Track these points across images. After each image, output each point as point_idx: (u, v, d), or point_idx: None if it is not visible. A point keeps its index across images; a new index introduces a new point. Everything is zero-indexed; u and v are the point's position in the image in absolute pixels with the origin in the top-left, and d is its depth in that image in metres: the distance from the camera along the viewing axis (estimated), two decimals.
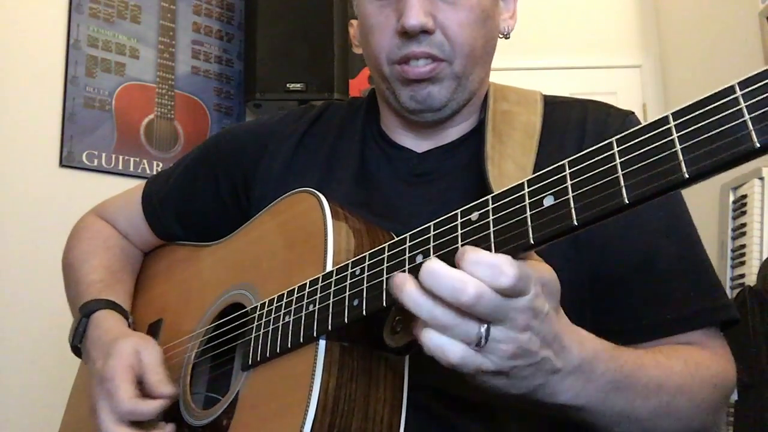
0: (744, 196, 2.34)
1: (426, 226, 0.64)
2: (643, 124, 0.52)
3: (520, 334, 0.57)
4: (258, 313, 0.81)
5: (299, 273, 0.78)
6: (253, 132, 1.07)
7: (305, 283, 0.75)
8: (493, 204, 0.59)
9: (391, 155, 0.96)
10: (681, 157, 0.48)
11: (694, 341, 0.79)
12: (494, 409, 0.77)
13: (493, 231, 0.57)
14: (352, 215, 0.80)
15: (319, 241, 0.77)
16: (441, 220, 0.63)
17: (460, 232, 0.60)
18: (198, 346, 0.92)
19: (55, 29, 2.33)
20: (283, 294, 0.78)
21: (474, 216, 0.60)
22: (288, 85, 2.53)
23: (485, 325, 0.56)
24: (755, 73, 0.46)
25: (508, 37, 0.96)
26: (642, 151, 0.50)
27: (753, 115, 0.45)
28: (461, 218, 0.61)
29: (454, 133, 0.95)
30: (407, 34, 0.84)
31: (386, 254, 0.66)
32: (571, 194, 0.53)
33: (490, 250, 0.57)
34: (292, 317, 0.75)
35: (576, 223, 0.53)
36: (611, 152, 0.52)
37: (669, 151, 0.49)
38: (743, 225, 2.32)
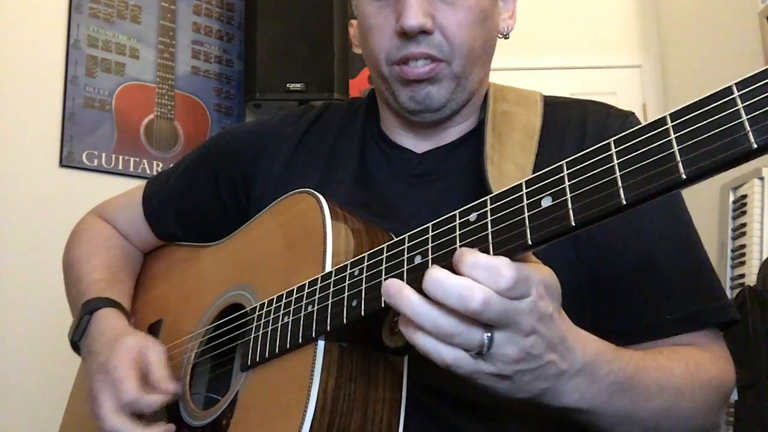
0: (744, 196, 2.34)
1: (424, 226, 0.64)
2: (641, 124, 0.52)
3: (524, 338, 0.57)
4: (257, 313, 0.81)
5: (298, 273, 0.78)
6: (253, 132, 1.07)
7: (304, 284, 0.75)
8: (491, 205, 0.59)
9: (390, 155, 0.96)
10: (679, 158, 0.48)
11: (693, 342, 0.79)
12: (494, 409, 0.77)
13: (492, 231, 0.58)
14: (351, 216, 0.80)
15: (318, 241, 0.77)
16: (439, 221, 0.63)
17: (458, 232, 0.60)
18: (198, 347, 0.92)
19: (55, 29, 2.33)
20: (282, 294, 0.78)
21: (472, 217, 0.60)
22: (288, 85, 2.53)
23: (489, 333, 0.56)
24: (753, 74, 0.46)
25: (508, 37, 0.96)
26: (640, 151, 0.50)
27: (751, 116, 0.45)
28: (459, 219, 0.61)
29: (453, 133, 0.95)
30: (406, 35, 0.84)
31: (385, 255, 0.66)
32: (569, 195, 0.53)
33: (488, 251, 0.57)
34: (291, 318, 0.75)
35: (574, 224, 0.53)
36: (609, 153, 0.52)
37: (667, 152, 0.49)
38: (743, 225, 2.32)
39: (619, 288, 0.82)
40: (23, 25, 2.26)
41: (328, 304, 0.70)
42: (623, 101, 3.07)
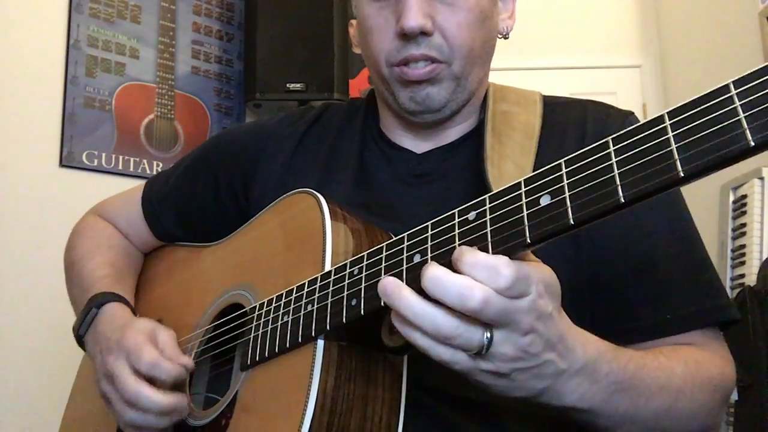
0: (744, 196, 2.34)
1: (423, 225, 0.64)
2: (639, 123, 0.52)
3: (522, 337, 0.57)
4: (257, 313, 0.81)
5: (298, 273, 0.78)
6: (252, 133, 1.07)
7: (304, 284, 0.75)
8: (490, 203, 0.59)
9: (390, 156, 0.96)
10: (676, 156, 0.48)
11: (694, 341, 0.79)
12: (495, 409, 0.77)
13: (490, 230, 0.58)
14: (350, 215, 0.80)
15: (317, 241, 0.77)
16: (438, 220, 0.63)
17: (457, 231, 0.60)
18: (197, 347, 0.92)
19: (55, 29, 2.34)
20: (281, 294, 0.78)
21: (471, 215, 0.60)
22: (288, 85, 2.53)
23: (488, 334, 0.56)
24: (750, 72, 0.46)
25: (507, 37, 0.96)
26: (637, 150, 0.50)
27: (747, 113, 0.45)
28: (458, 218, 0.61)
29: (453, 133, 0.95)
30: (406, 36, 0.84)
31: (384, 254, 0.66)
32: (567, 193, 0.54)
33: (487, 250, 0.57)
34: (290, 317, 0.75)
35: (572, 222, 0.53)
36: (607, 151, 0.53)
37: (664, 150, 0.49)
38: (743, 225, 2.32)
39: (619, 287, 0.82)
40: (23, 25, 2.26)
41: (327, 304, 0.70)
42: (623, 101, 3.07)
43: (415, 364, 0.72)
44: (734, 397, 1.97)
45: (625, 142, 0.52)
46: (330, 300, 0.70)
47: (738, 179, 2.37)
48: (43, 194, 2.21)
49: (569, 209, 0.53)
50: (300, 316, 0.74)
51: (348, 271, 0.70)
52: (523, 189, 0.57)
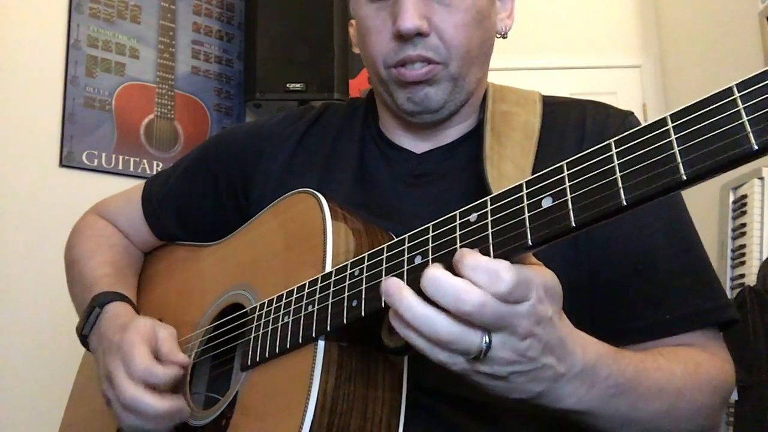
0: (744, 196, 2.34)
1: (425, 227, 0.64)
2: (642, 125, 0.52)
3: (521, 341, 0.57)
4: (257, 313, 0.81)
5: (298, 273, 0.78)
6: (252, 133, 1.07)
7: (304, 284, 0.75)
8: (491, 205, 0.59)
9: (390, 156, 0.96)
10: (679, 159, 0.48)
11: (693, 342, 0.79)
12: (495, 409, 0.77)
13: (492, 232, 0.58)
14: (351, 215, 0.80)
15: (318, 241, 0.77)
16: (440, 221, 0.63)
17: (458, 233, 0.60)
18: (198, 347, 0.92)
19: (55, 29, 2.34)
20: (282, 294, 0.78)
21: (472, 217, 0.60)
22: (288, 85, 2.53)
23: (487, 338, 0.56)
24: (754, 74, 0.46)
25: (506, 37, 0.96)
26: (640, 152, 0.50)
27: (751, 117, 0.45)
28: (460, 219, 0.61)
29: (452, 133, 0.95)
30: (402, 38, 0.84)
31: (385, 255, 0.66)
32: (569, 195, 0.53)
33: (488, 252, 0.57)
34: (291, 318, 0.75)
35: (574, 225, 0.53)
36: (609, 154, 0.52)
37: (667, 153, 0.49)
38: (743, 225, 2.32)
39: (618, 287, 0.82)
40: (23, 25, 2.26)
41: (328, 304, 0.70)
42: (623, 101, 3.07)
43: (415, 364, 0.72)
44: (734, 397, 1.97)
45: (628, 145, 0.51)
46: (331, 301, 0.70)
47: (738, 179, 2.37)
48: (43, 194, 2.21)
49: (571, 212, 0.53)
50: (300, 316, 0.74)
51: (349, 272, 0.70)
52: (525, 191, 0.57)
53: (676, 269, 0.81)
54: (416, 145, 0.95)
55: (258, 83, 2.54)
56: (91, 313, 0.96)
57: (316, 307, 0.72)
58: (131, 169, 2.44)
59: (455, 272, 0.56)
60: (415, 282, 0.59)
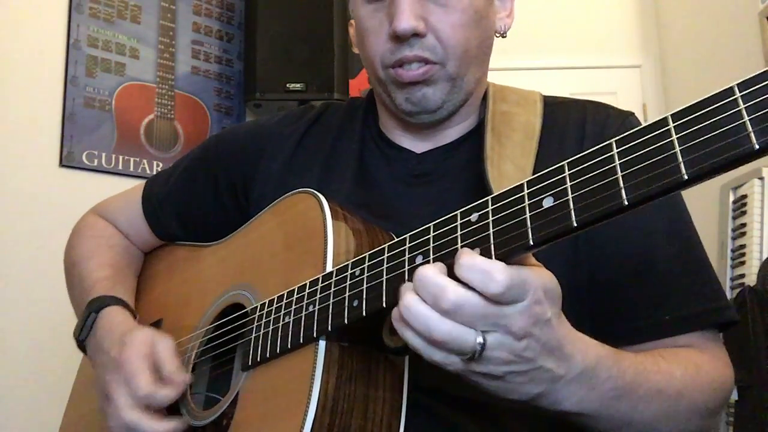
0: (744, 196, 2.34)
1: (426, 226, 0.64)
2: (643, 125, 0.52)
3: (517, 342, 0.57)
4: (258, 313, 0.81)
5: (299, 273, 0.78)
6: (252, 133, 1.07)
7: (305, 284, 0.75)
8: (492, 205, 0.59)
9: (390, 156, 0.96)
10: (680, 159, 0.48)
11: (692, 343, 0.79)
12: (495, 410, 0.77)
13: (493, 232, 0.58)
14: (351, 215, 0.80)
15: (318, 241, 0.77)
16: (441, 221, 0.63)
17: (459, 233, 0.60)
18: (198, 347, 0.92)
19: (55, 29, 2.33)
20: (282, 294, 0.78)
21: (474, 217, 0.60)
22: (288, 85, 2.53)
23: (481, 339, 0.56)
24: (755, 74, 0.46)
25: (505, 36, 0.96)
26: (641, 152, 0.50)
27: (752, 116, 0.45)
28: (461, 219, 0.61)
29: (453, 133, 0.95)
30: (399, 38, 0.84)
31: (386, 255, 0.66)
32: (570, 195, 0.53)
33: (489, 252, 0.57)
34: (292, 317, 0.75)
35: (575, 224, 0.53)
36: (611, 153, 0.52)
37: (668, 153, 0.49)
38: (743, 225, 2.32)
39: (617, 288, 0.82)
40: (23, 25, 2.26)
41: (329, 304, 0.70)
42: (623, 101, 3.07)
43: (416, 365, 0.72)
44: (734, 397, 1.97)
45: (629, 145, 0.51)
46: (332, 301, 0.70)
47: (738, 179, 2.37)
48: (43, 194, 2.21)
49: (572, 211, 0.53)
50: (301, 316, 0.74)
51: (350, 271, 0.70)
52: (526, 191, 0.57)
53: (676, 270, 0.81)
54: (416, 144, 0.95)
55: (258, 83, 2.54)
56: (87, 318, 0.97)
57: (316, 307, 0.72)
58: (131, 169, 2.44)
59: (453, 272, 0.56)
60: None
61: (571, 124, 0.91)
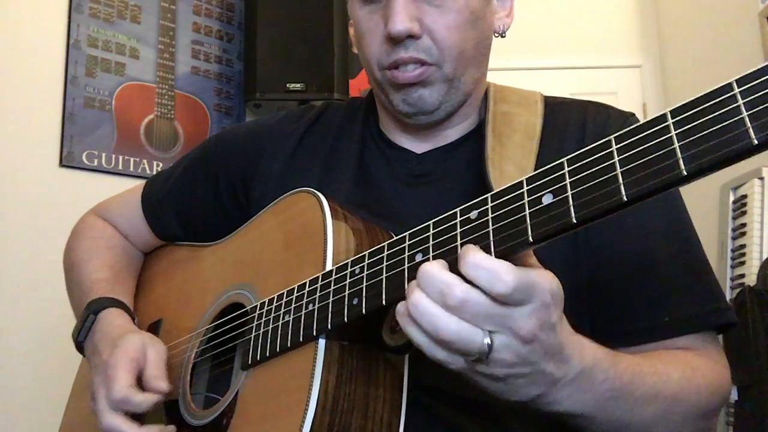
0: (744, 196, 2.34)
1: (425, 225, 0.64)
2: (642, 121, 0.52)
3: (523, 345, 0.56)
4: (258, 312, 0.81)
5: (299, 272, 0.78)
6: (252, 132, 1.07)
7: (305, 283, 0.75)
8: (492, 202, 0.59)
9: (390, 156, 0.96)
10: (679, 154, 0.48)
11: (690, 345, 0.78)
12: (495, 409, 0.77)
13: (492, 229, 0.58)
14: (351, 215, 0.80)
15: (318, 240, 0.77)
16: (440, 219, 0.63)
17: (459, 230, 0.60)
18: (198, 346, 0.92)
19: (55, 29, 2.34)
20: (282, 293, 0.78)
21: (473, 215, 0.60)
22: (288, 85, 2.53)
23: (488, 340, 0.56)
24: (753, 70, 0.46)
25: (504, 36, 0.95)
26: (640, 148, 0.50)
27: (751, 112, 0.45)
28: (460, 217, 0.61)
29: (453, 134, 0.95)
30: (394, 40, 0.84)
31: (386, 253, 0.66)
32: (569, 192, 0.53)
33: (489, 249, 0.57)
34: (291, 316, 0.75)
35: (575, 221, 0.53)
36: (609, 150, 0.52)
37: (667, 149, 0.49)
38: (743, 225, 2.32)
39: (617, 289, 0.81)
40: (23, 25, 2.26)
41: (329, 303, 0.70)
42: (623, 101, 3.08)
43: (415, 363, 0.72)
44: (734, 397, 1.97)
45: (627, 141, 0.51)
46: (331, 299, 0.70)
47: (738, 179, 2.37)
48: (43, 194, 2.21)
49: (571, 208, 0.53)
50: (301, 315, 0.74)
51: (349, 270, 0.70)
52: (525, 188, 0.57)
53: (676, 271, 0.81)
54: (416, 145, 0.95)
55: (258, 83, 2.54)
56: (86, 320, 0.97)
57: (316, 305, 0.72)
58: (131, 169, 2.44)
59: (457, 268, 0.56)
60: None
61: (571, 124, 0.90)
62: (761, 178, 2.28)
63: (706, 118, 0.47)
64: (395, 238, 0.67)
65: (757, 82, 0.45)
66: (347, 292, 0.69)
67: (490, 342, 0.56)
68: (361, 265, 0.69)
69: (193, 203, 1.09)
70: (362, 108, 1.03)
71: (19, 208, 2.16)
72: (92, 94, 2.38)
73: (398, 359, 0.72)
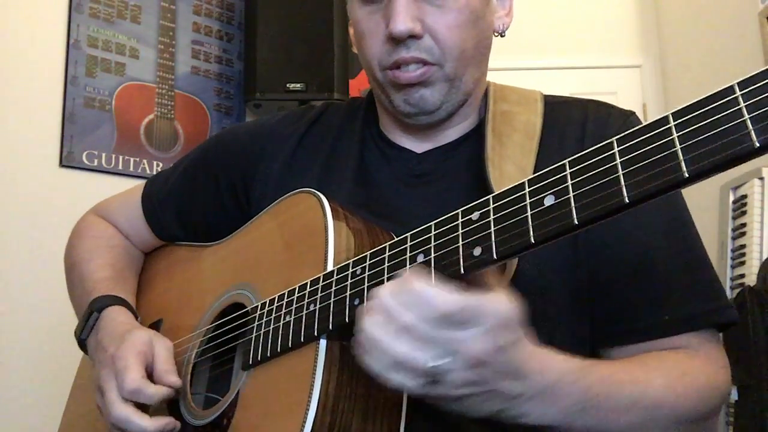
0: (744, 196, 2.34)
1: (427, 225, 0.64)
2: (644, 124, 0.52)
3: (470, 367, 0.57)
4: (258, 312, 0.81)
5: (299, 273, 0.78)
6: (252, 133, 1.07)
7: (306, 283, 0.75)
8: (493, 204, 0.59)
9: (390, 156, 0.96)
10: (681, 157, 0.48)
11: (690, 343, 0.78)
12: None
13: (494, 230, 0.58)
14: (352, 215, 0.80)
15: (319, 240, 0.77)
16: (442, 220, 0.63)
17: (460, 231, 0.60)
18: (198, 346, 0.92)
19: (55, 29, 2.33)
20: (283, 294, 0.78)
21: (475, 216, 0.60)
22: (288, 85, 2.53)
23: (434, 364, 0.56)
24: (755, 73, 0.46)
25: (504, 35, 0.95)
26: (642, 150, 0.50)
27: (752, 115, 0.45)
28: (462, 218, 0.61)
29: (453, 133, 0.95)
30: (395, 40, 0.84)
31: (387, 254, 0.66)
32: (571, 194, 0.54)
33: (490, 250, 0.57)
34: (292, 317, 0.75)
35: (576, 223, 0.53)
36: (611, 152, 0.53)
37: (669, 151, 0.49)
38: (743, 225, 2.32)
39: (617, 288, 0.81)
40: (23, 25, 2.26)
41: (330, 303, 0.70)
42: (623, 101, 3.06)
43: None
44: (734, 397, 1.97)
45: (630, 143, 0.52)
46: (333, 299, 0.70)
47: (738, 179, 2.37)
48: (43, 194, 2.21)
49: (573, 209, 0.53)
50: (302, 315, 0.74)
51: (351, 270, 0.70)
52: (527, 189, 0.57)
53: (676, 270, 0.80)
54: (416, 145, 0.95)
55: (258, 83, 2.54)
56: (89, 318, 0.97)
57: (317, 305, 0.72)
58: (131, 169, 2.44)
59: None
60: None
61: (572, 123, 0.90)
62: (761, 178, 2.28)
63: (708, 120, 0.47)
64: (397, 238, 0.67)
65: (759, 84, 0.45)
66: (349, 292, 0.69)
67: (435, 365, 0.56)
68: (362, 265, 0.69)
69: (194, 203, 1.09)
70: (362, 108, 1.03)
71: (19, 208, 2.16)
72: (92, 94, 2.37)
73: None
